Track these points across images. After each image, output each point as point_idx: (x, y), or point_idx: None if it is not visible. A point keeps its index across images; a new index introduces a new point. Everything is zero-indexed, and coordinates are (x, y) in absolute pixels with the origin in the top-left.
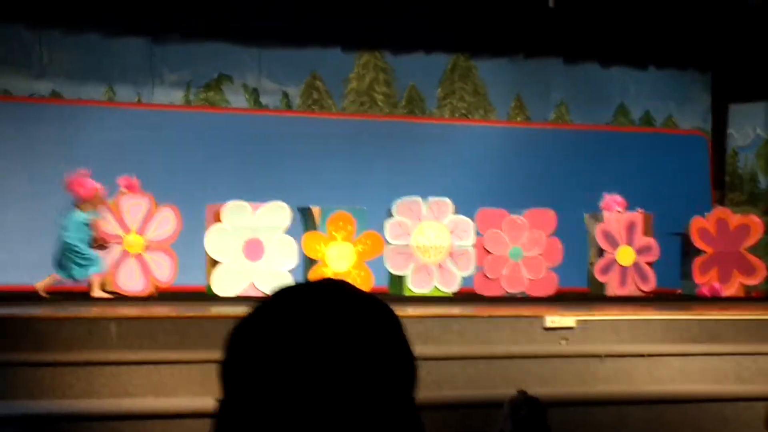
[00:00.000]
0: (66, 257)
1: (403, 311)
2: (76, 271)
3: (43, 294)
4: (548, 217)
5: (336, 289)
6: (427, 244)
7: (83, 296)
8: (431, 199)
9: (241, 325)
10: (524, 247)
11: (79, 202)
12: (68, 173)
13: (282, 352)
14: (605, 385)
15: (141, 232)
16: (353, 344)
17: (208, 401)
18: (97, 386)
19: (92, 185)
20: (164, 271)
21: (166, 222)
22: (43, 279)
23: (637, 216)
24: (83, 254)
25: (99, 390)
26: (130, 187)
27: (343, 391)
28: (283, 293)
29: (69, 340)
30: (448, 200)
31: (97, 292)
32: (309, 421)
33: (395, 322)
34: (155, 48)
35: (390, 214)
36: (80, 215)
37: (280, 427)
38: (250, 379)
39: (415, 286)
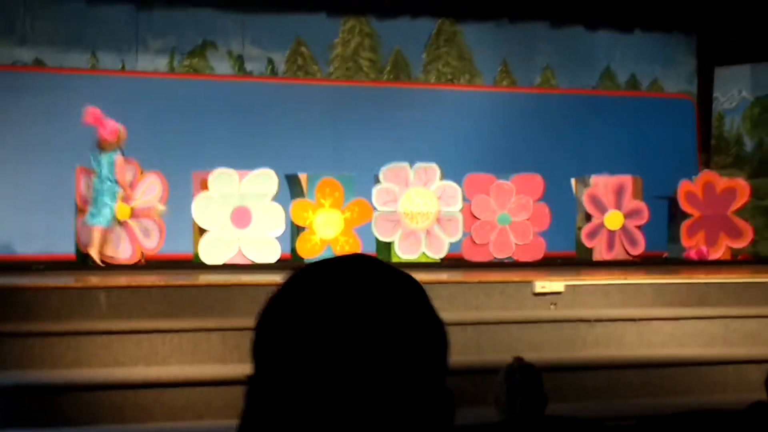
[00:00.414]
0: (96, 203)
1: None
2: (89, 218)
3: (99, 263)
4: (536, 182)
5: (363, 263)
6: (415, 211)
7: (71, 265)
8: (418, 164)
9: (271, 302)
10: (512, 213)
11: (101, 144)
12: (86, 109)
13: (312, 327)
14: (595, 350)
15: (127, 200)
16: (384, 318)
17: (198, 369)
18: (87, 356)
19: (114, 126)
20: (152, 239)
21: (153, 188)
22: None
23: (627, 179)
24: (96, 200)
25: (89, 359)
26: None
27: (376, 365)
28: (311, 269)
29: (58, 310)
30: (435, 166)
31: (93, 251)
32: (342, 395)
33: (424, 296)
34: (139, 15)
35: (377, 181)
36: (103, 157)
37: (312, 402)
38: (281, 356)
39: (402, 253)
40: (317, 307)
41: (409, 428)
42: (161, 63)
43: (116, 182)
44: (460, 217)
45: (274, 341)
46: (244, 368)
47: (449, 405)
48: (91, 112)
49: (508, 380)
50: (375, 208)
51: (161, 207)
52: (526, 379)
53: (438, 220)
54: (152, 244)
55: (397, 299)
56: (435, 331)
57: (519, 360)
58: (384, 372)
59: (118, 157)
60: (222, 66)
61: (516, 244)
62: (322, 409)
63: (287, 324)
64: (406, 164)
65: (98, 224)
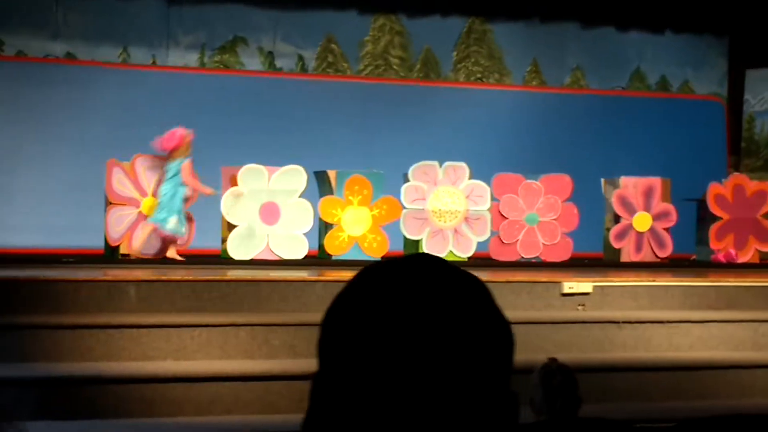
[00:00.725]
0: (163, 207)
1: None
2: (161, 221)
3: (177, 257)
4: (564, 182)
5: (430, 263)
6: (443, 209)
7: (100, 258)
8: (447, 163)
9: (338, 300)
10: (540, 213)
11: (171, 155)
12: (159, 142)
13: (379, 326)
14: (623, 352)
15: (157, 195)
16: (450, 318)
17: (227, 364)
18: (117, 349)
19: (181, 132)
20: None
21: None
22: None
23: (656, 181)
24: (165, 205)
25: (119, 353)
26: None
27: (441, 365)
28: (378, 268)
29: (88, 303)
30: (464, 165)
31: (171, 252)
32: (407, 394)
33: (489, 296)
34: (170, 10)
35: (406, 179)
36: (172, 165)
37: (377, 401)
38: (347, 354)
39: (430, 251)
40: (384, 306)
41: (473, 428)
42: (192, 58)
43: (175, 193)
44: (488, 217)
45: (341, 339)
46: (272, 364)
47: (513, 406)
48: (162, 140)
49: (545, 382)
50: (403, 206)
51: (213, 191)
52: (565, 381)
53: (466, 219)
54: (181, 239)
55: (462, 299)
56: (500, 331)
57: (554, 361)
58: (449, 372)
59: (185, 164)
60: (252, 62)
61: (543, 244)
62: (387, 408)
63: (354, 322)
64: (435, 163)
65: (169, 230)
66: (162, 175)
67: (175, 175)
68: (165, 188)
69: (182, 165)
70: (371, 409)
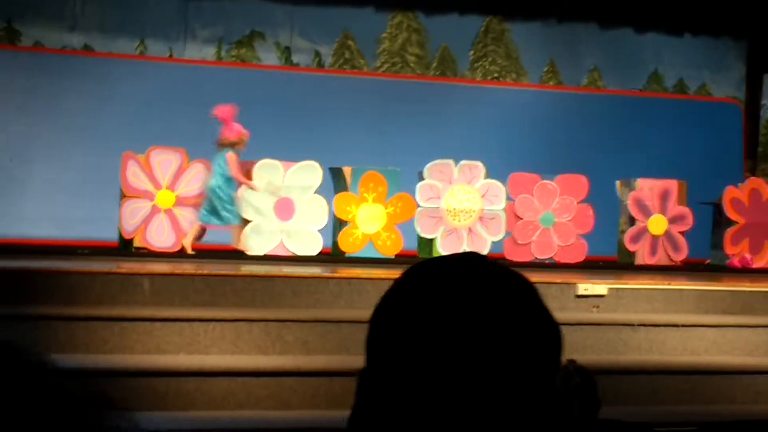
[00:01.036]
0: (210, 202)
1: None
2: (218, 218)
3: (189, 251)
4: (580, 183)
5: (477, 262)
6: (458, 208)
7: (113, 251)
8: (463, 162)
9: (386, 298)
10: (555, 213)
11: (223, 143)
12: (220, 107)
13: (427, 324)
14: (637, 354)
15: (172, 187)
16: (498, 316)
17: (240, 359)
18: (130, 342)
19: (239, 128)
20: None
21: (198, 178)
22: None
23: (672, 184)
24: (225, 200)
25: (132, 346)
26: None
27: (489, 363)
28: (426, 266)
29: (101, 295)
30: (480, 164)
31: (241, 245)
32: (454, 392)
33: (536, 295)
34: (188, 3)
35: (421, 177)
36: (220, 159)
37: (425, 398)
38: (395, 351)
39: (444, 250)
40: (434, 305)
41: (521, 426)
42: (209, 52)
43: (232, 179)
44: (503, 216)
45: (390, 337)
46: (285, 359)
47: (562, 404)
48: (224, 110)
49: (563, 383)
50: (418, 204)
51: (277, 185)
52: (583, 383)
53: (481, 219)
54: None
55: (510, 298)
56: (548, 331)
57: (573, 362)
58: (497, 371)
59: (230, 154)
60: (269, 57)
61: (558, 245)
62: (435, 406)
63: (403, 320)
64: (450, 161)
65: (235, 223)
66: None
67: (221, 167)
68: (214, 182)
69: (228, 156)
70: (419, 406)
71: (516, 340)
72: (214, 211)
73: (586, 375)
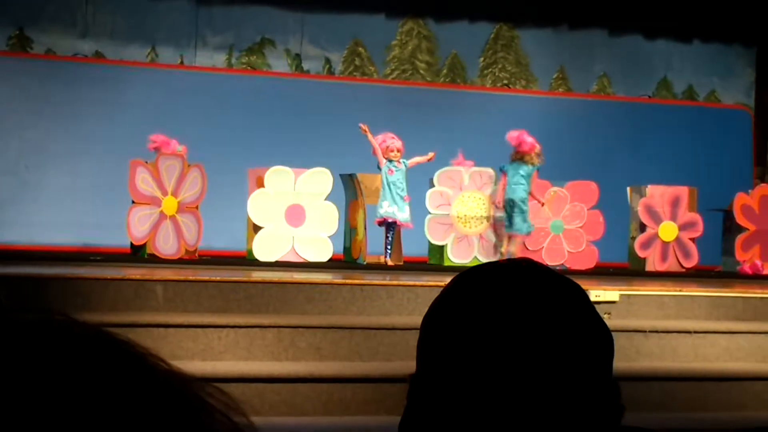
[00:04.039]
0: (516, 210)
1: (444, 282)
2: (521, 226)
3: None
4: (590, 189)
5: (527, 267)
6: (468, 214)
7: (126, 257)
8: (473, 168)
9: (436, 304)
10: (565, 220)
11: (522, 156)
12: (512, 132)
13: (479, 330)
14: (649, 361)
15: (176, 193)
16: (549, 322)
17: (253, 365)
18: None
19: (533, 141)
20: (192, 234)
21: (195, 183)
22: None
23: (683, 190)
24: (525, 209)
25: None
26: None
27: (541, 369)
28: (476, 272)
29: (115, 302)
30: (490, 170)
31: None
32: (506, 398)
33: (586, 299)
34: (199, 11)
35: (431, 184)
36: (527, 168)
37: (476, 404)
38: (447, 357)
39: (455, 257)
40: (484, 311)
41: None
42: (219, 59)
43: (530, 194)
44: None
45: (441, 342)
46: (298, 366)
47: (614, 409)
48: (515, 135)
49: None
50: (428, 211)
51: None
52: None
53: (493, 226)
54: (192, 239)
55: (561, 304)
56: (599, 335)
57: None
58: (549, 376)
59: (535, 173)
60: (279, 64)
61: (569, 251)
62: (486, 411)
63: (454, 326)
64: (460, 168)
65: (519, 232)
66: (505, 178)
67: (525, 178)
68: (517, 195)
69: (535, 173)
70: (470, 412)
71: (569, 346)
72: (515, 221)
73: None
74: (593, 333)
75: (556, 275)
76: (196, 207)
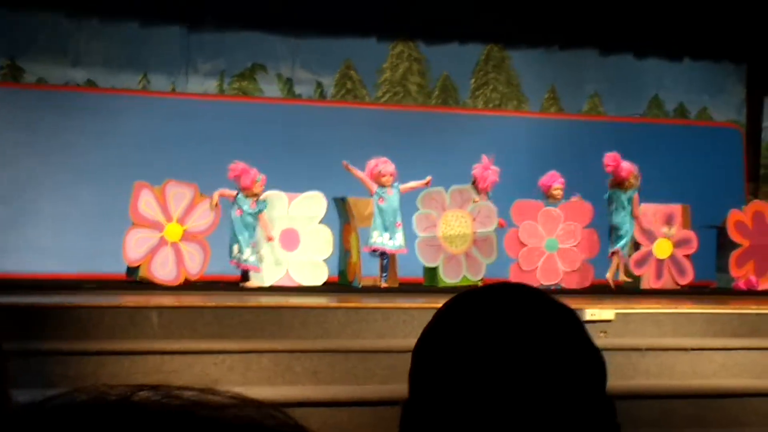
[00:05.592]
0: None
1: (439, 304)
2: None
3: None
4: (584, 208)
5: (518, 291)
6: (453, 234)
7: (120, 284)
8: (453, 187)
9: (428, 329)
10: (560, 239)
11: (621, 182)
12: (607, 159)
13: (473, 356)
14: (646, 379)
15: (182, 221)
16: (541, 346)
17: (250, 391)
18: (139, 376)
19: (629, 166)
20: (196, 263)
21: (207, 213)
22: None
23: (676, 208)
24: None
25: (142, 380)
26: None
27: (533, 393)
28: (468, 297)
29: (111, 329)
30: (469, 187)
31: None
32: (499, 423)
33: (578, 323)
34: (190, 37)
35: (417, 207)
36: (629, 193)
37: (471, 430)
38: (439, 383)
39: (447, 278)
40: (476, 335)
41: None
42: (211, 85)
43: (634, 217)
44: (494, 237)
45: (433, 368)
46: (295, 390)
47: (610, 428)
48: (612, 156)
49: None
50: (416, 235)
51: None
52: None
53: (475, 242)
54: (196, 268)
55: (552, 327)
56: (590, 358)
57: None
58: (541, 400)
59: (636, 195)
60: (271, 89)
61: (564, 270)
62: None
63: (446, 351)
64: (441, 188)
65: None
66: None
67: (626, 206)
68: (618, 218)
69: (635, 197)
70: None
71: (561, 369)
72: (619, 245)
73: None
74: (585, 356)
75: (547, 297)
76: (204, 236)
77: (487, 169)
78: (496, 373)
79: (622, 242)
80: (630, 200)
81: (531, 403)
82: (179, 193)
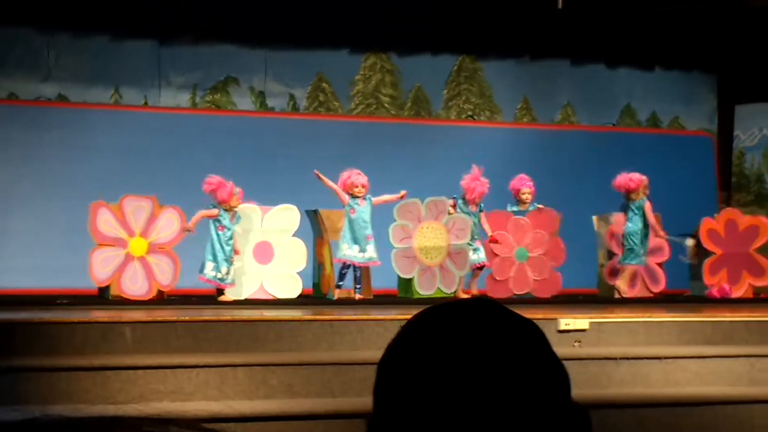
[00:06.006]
0: (632, 243)
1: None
2: (640, 259)
3: (624, 294)
4: (551, 216)
5: (483, 307)
6: (428, 245)
7: (93, 300)
8: (429, 198)
9: (394, 344)
10: (528, 248)
11: (629, 194)
12: (618, 180)
13: (436, 370)
14: (620, 388)
15: (145, 235)
16: (505, 361)
17: (225, 405)
18: (113, 391)
19: (637, 179)
20: (167, 275)
21: (170, 224)
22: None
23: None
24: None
25: (115, 395)
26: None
27: (498, 408)
28: (433, 312)
29: (83, 345)
30: (445, 199)
31: (620, 283)
32: None
33: (543, 339)
34: (162, 50)
35: (393, 218)
36: (639, 202)
37: None
38: (404, 398)
39: (421, 289)
40: (441, 351)
41: None
42: (183, 98)
43: (649, 226)
44: (467, 249)
45: (398, 383)
46: (270, 404)
47: None
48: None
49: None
50: (392, 246)
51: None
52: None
53: (449, 254)
54: (167, 279)
55: (517, 342)
56: (555, 373)
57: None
58: (505, 415)
59: (648, 203)
60: (244, 102)
61: (534, 279)
62: None
63: (411, 366)
64: (417, 200)
65: (632, 263)
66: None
67: (639, 211)
68: (632, 227)
69: (645, 205)
70: None
71: (525, 385)
72: (633, 253)
73: (581, 411)
74: (549, 370)
75: (512, 314)
76: (171, 247)
77: (475, 180)
78: (460, 387)
79: (628, 259)
80: (641, 209)
81: (495, 416)
82: (138, 207)
